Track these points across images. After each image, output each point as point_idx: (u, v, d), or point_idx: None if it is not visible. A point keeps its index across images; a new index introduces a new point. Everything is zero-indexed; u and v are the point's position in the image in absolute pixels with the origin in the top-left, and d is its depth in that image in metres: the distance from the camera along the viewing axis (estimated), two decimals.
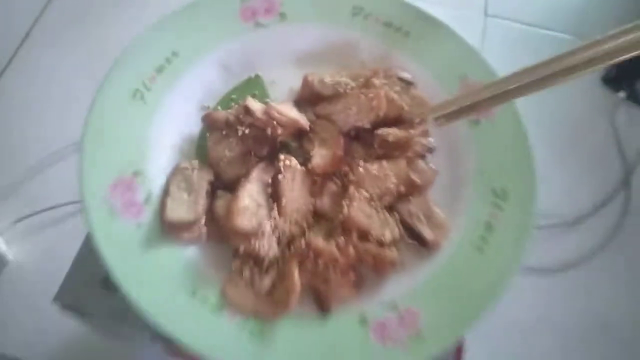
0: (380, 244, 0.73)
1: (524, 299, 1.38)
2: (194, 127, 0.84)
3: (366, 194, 0.75)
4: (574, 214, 1.49)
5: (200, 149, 0.82)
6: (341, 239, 0.72)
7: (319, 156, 0.77)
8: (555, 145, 1.65)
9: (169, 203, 0.73)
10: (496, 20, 1.66)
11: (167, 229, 0.72)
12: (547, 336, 1.34)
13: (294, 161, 0.76)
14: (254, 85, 0.88)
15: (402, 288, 0.72)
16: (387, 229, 0.74)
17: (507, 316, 1.34)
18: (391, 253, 0.72)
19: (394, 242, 0.74)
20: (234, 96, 0.88)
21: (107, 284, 0.76)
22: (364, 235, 0.73)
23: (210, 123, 0.81)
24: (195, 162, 0.77)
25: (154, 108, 0.81)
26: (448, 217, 0.77)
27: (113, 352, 1.12)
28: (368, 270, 0.73)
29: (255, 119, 0.76)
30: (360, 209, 0.73)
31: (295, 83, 0.87)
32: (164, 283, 0.68)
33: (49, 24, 1.86)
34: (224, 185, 0.77)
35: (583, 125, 1.70)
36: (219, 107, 0.86)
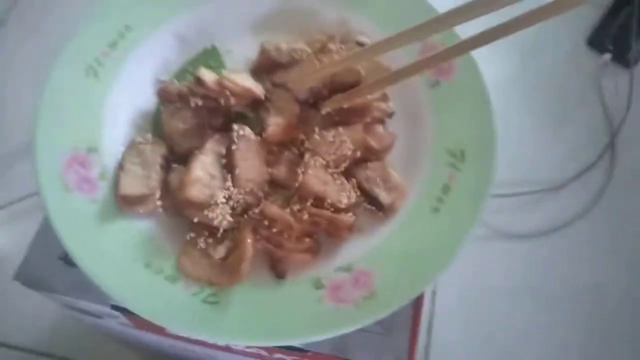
0: (337, 209, 0.72)
1: (505, 266, 1.37)
2: (150, 101, 0.83)
3: (322, 161, 0.74)
4: (557, 180, 1.47)
5: (156, 124, 0.81)
6: (296, 206, 0.71)
7: (274, 125, 0.76)
8: (539, 110, 1.63)
9: (123, 178, 0.73)
10: None
11: (122, 204, 0.71)
12: (528, 301, 1.34)
13: (248, 130, 0.75)
14: (210, 56, 0.87)
15: (357, 251, 0.72)
16: (343, 195, 0.74)
17: (488, 282, 1.34)
18: (347, 218, 0.72)
19: (351, 207, 0.74)
20: (189, 69, 0.86)
21: (68, 259, 0.77)
22: (320, 202, 0.73)
23: (164, 96, 0.79)
24: (149, 136, 0.77)
25: (107, 84, 0.81)
26: (406, 181, 0.77)
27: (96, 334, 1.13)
28: (324, 236, 0.72)
29: (208, 90, 0.74)
30: (315, 176, 0.72)
31: (252, 52, 0.85)
32: (119, 256, 0.68)
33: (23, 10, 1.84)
34: (179, 158, 0.76)
35: (567, 89, 1.67)
36: (174, 80, 0.84)
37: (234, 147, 0.73)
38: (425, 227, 0.72)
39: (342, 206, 0.73)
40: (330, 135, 0.77)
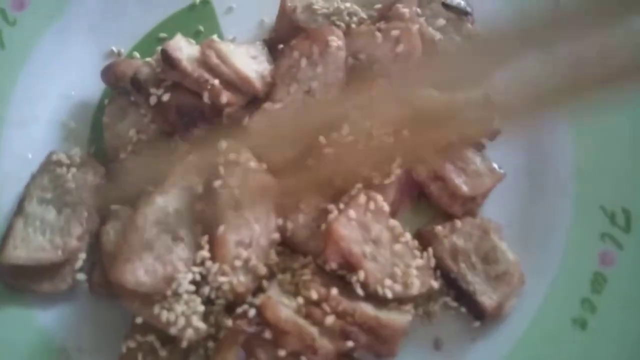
0: (380, 300, 0.50)
1: None
2: (90, 89, 0.59)
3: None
4: None
5: (95, 127, 0.58)
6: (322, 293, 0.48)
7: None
8: None
9: (18, 229, 0.50)
10: None
11: (9, 279, 0.50)
12: None
13: (245, 154, 0.52)
14: (199, 17, 0.63)
15: None
16: (399, 271, 0.50)
17: None
18: (401, 319, 0.49)
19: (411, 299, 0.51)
20: (162, 34, 0.62)
21: None
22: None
23: (112, 81, 0.57)
24: (77, 153, 0.54)
25: (19, 56, 0.57)
26: (521, 261, 0.54)
27: None
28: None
29: (183, 75, 0.52)
30: (349, 225, 0.50)
31: (268, 11, 0.61)
32: None
33: None
34: (123, 194, 0.52)
35: None
36: (136, 54, 0.61)
37: (217, 184, 0.50)
38: (558, 355, 0.50)
39: (393, 294, 0.50)
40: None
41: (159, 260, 0.46)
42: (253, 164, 0.53)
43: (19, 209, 0.53)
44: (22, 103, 0.58)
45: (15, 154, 0.56)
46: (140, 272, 0.45)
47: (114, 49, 0.63)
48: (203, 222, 0.50)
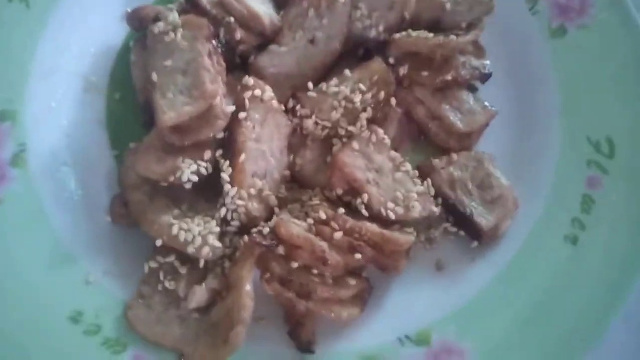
0: (385, 221, 0.52)
1: None
2: (110, 43, 0.62)
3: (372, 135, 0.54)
4: None
5: (116, 76, 0.61)
6: (330, 213, 0.50)
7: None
8: None
9: (158, 99, 0.51)
10: None
11: (174, 139, 0.51)
12: None
13: (269, 92, 0.53)
14: None
15: (436, 307, 0.51)
16: (400, 195, 0.52)
17: None
18: (405, 236, 0.50)
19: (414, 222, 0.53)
20: None
21: None
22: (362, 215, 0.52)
23: (137, 24, 0.59)
24: (174, 17, 0.54)
25: (43, 15, 0.59)
26: (517, 188, 0.55)
27: None
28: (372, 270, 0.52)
29: (203, 12, 0.54)
30: (354, 154, 0.52)
31: None
32: (27, 301, 0.49)
33: None
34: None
35: None
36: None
37: (242, 115, 0.51)
38: (554, 269, 0.52)
39: (395, 216, 0.52)
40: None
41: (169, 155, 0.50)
42: (275, 103, 0.54)
43: (151, 82, 0.52)
44: (45, 57, 0.59)
45: (41, 102, 0.57)
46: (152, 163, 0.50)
47: (128, 10, 0.63)
48: (226, 148, 0.52)
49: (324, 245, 0.49)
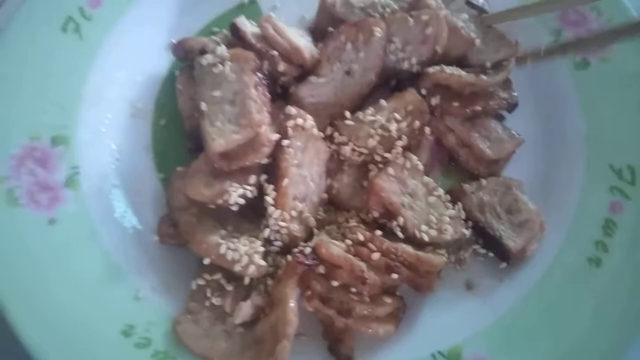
0: (418, 243, 0.55)
1: None
2: (153, 71, 0.65)
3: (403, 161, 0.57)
4: None
5: (161, 102, 0.64)
6: (367, 235, 0.53)
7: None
8: None
9: (206, 127, 0.54)
10: None
11: (221, 163, 0.54)
12: None
13: (310, 121, 0.56)
14: (246, 14, 0.66)
15: (466, 326, 0.53)
16: (433, 219, 0.56)
17: None
18: (437, 258, 0.53)
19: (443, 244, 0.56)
20: (215, 29, 0.68)
21: None
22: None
23: (182, 54, 0.62)
24: (222, 50, 0.57)
25: (94, 46, 0.62)
26: (541, 212, 0.58)
27: None
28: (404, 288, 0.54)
29: (246, 45, 0.57)
30: (390, 179, 0.55)
31: (308, 8, 0.67)
32: (83, 318, 0.51)
33: None
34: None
35: None
36: None
37: (285, 142, 0.55)
38: (578, 289, 0.54)
39: (429, 238, 0.54)
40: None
41: (217, 179, 0.53)
42: (316, 131, 0.58)
43: (200, 112, 0.54)
44: (95, 85, 0.61)
45: (92, 127, 0.60)
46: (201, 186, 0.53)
47: (173, 40, 0.66)
48: (269, 173, 0.55)
49: (363, 265, 0.52)
